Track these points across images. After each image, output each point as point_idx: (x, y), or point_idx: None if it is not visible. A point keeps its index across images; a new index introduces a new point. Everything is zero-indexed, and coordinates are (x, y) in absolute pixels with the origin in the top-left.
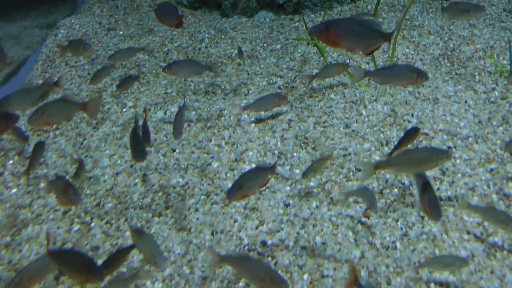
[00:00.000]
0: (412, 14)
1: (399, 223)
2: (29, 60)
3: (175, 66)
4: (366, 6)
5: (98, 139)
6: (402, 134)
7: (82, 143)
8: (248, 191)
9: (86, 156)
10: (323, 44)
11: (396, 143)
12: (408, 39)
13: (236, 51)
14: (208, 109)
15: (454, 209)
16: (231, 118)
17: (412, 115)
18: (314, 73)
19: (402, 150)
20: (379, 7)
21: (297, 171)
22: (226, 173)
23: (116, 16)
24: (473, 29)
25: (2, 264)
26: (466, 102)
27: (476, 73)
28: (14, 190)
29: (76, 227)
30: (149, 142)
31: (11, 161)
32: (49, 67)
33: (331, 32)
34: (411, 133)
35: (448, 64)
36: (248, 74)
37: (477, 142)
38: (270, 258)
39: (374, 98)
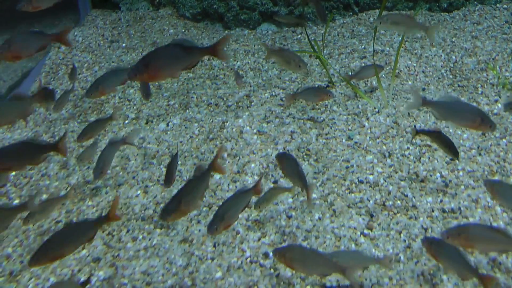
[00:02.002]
0: None
1: (402, 235)
2: (32, 72)
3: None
4: (368, 18)
5: (100, 151)
6: (405, 146)
7: None
8: (230, 220)
9: (88, 167)
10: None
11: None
12: (410, 51)
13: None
14: (211, 121)
15: (457, 222)
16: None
17: (415, 127)
18: (350, 74)
19: None
20: None
21: None
22: (228, 185)
23: (119, 29)
24: (475, 41)
25: (3, 275)
26: None
27: (479, 85)
28: (16, 202)
29: None
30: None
31: (13, 173)
32: (52, 79)
33: (151, 68)
34: None
35: (451, 76)
36: (250, 86)
37: (480, 154)
38: (272, 270)
39: (376, 110)
